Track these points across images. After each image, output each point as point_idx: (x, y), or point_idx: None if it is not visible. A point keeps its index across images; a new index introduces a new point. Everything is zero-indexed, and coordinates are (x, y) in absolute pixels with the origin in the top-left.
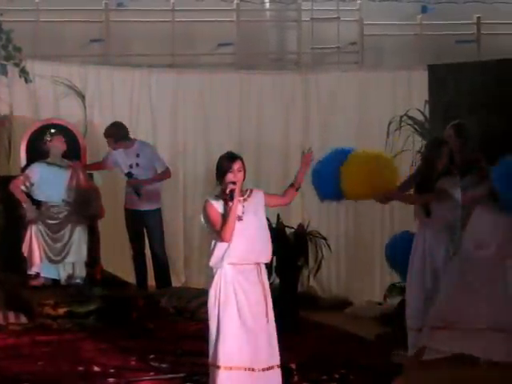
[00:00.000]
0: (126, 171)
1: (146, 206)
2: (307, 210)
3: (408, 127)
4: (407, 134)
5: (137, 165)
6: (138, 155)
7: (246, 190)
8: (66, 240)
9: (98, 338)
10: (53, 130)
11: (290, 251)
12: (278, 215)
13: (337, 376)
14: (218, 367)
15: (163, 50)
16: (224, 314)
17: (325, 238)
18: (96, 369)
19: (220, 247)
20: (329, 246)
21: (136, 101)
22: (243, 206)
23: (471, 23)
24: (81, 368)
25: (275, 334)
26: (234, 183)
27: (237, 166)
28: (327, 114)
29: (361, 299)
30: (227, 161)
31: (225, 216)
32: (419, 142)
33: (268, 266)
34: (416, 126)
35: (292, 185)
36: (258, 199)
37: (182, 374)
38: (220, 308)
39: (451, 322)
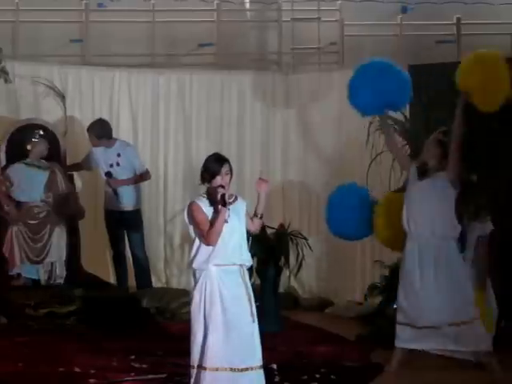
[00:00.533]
0: (106, 170)
1: (125, 207)
2: (288, 210)
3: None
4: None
5: (117, 164)
6: (118, 154)
7: (232, 195)
8: (46, 240)
9: (78, 338)
10: (41, 132)
11: (270, 251)
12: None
13: (317, 376)
14: (204, 369)
15: (143, 50)
16: (210, 316)
17: (306, 238)
18: (77, 369)
19: (205, 249)
20: (309, 246)
21: (116, 101)
22: (229, 209)
23: (451, 23)
24: (61, 369)
25: (258, 334)
26: (222, 187)
27: (225, 169)
28: (308, 114)
29: (341, 299)
30: (216, 164)
31: (211, 218)
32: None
33: (249, 267)
34: (396, 126)
35: (255, 214)
36: (241, 206)
37: (163, 375)
38: (206, 310)
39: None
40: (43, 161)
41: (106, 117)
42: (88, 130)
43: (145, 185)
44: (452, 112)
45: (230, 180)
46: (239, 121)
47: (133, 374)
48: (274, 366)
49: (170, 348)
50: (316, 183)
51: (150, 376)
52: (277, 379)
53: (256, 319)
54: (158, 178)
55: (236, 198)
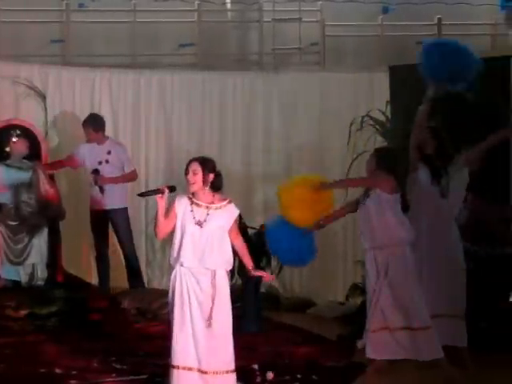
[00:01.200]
0: (94, 168)
1: (111, 205)
2: (270, 211)
3: (370, 128)
4: (368, 135)
5: (106, 161)
6: (109, 152)
7: (224, 200)
8: (27, 242)
9: (59, 339)
10: (18, 132)
11: (252, 252)
12: (240, 215)
13: (299, 376)
14: (173, 367)
15: (124, 50)
16: (177, 314)
17: None
18: (58, 371)
19: (173, 246)
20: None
21: (97, 101)
22: (207, 214)
23: (432, 24)
24: (43, 370)
25: (226, 338)
26: (169, 188)
27: (192, 167)
28: (289, 115)
29: (323, 299)
30: (187, 163)
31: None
32: (381, 143)
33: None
34: (377, 127)
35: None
36: (230, 214)
37: (144, 376)
38: (174, 308)
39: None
40: (25, 161)
41: (87, 115)
42: (84, 123)
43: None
44: (432, 112)
45: (205, 181)
46: (221, 121)
47: (114, 374)
48: (256, 367)
49: (151, 349)
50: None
51: (131, 377)
52: (258, 380)
53: (219, 324)
54: (139, 178)
55: (227, 204)
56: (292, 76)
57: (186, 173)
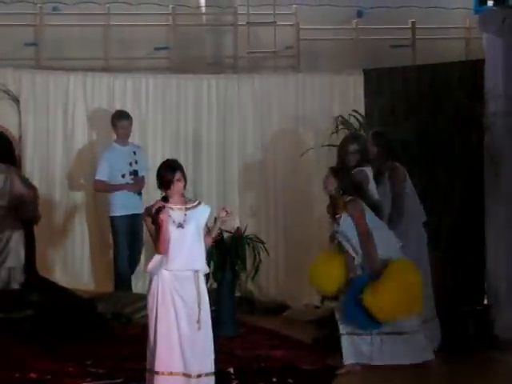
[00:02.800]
0: (131, 169)
1: (139, 210)
2: (245, 214)
3: (345, 131)
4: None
5: (135, 162)
6: (134, 153)
7: (195, 201)
8: (4, 245)
9: (34, 343)
10: None
11: (227, 255)
12: (215, 219)
13: (274, 380)
14: (157, 373)
15: (98, 53)
16: (161, 320)
17: (262, 242)
18: (33, 375)
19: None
20: (266, 250)
21: (71, 105)
22: (185, 215)
23: (406, 28)
24: (17, 375)
25: (210, 340)
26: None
27: (177, 176)
28: (264, 118)
29: (298, 303)
30: (168, 172)
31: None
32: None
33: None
34: (355, 129)
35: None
36: (203, 214)
37: (119, 380)
38: (158, 314)
39: None
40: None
41: (60, 121)
42: (123, 115)
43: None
44: (407, 115)
45: (185, 185)
46: (195, 124)
47: (89, 379)
48: (231, 371)
49: (126, 353)
50: (273, 186)
51: (107, 381)
52: (234, 383)
53: (205, 326)
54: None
55: (199, 204)
56: (267, 79)
57: (172, 181)
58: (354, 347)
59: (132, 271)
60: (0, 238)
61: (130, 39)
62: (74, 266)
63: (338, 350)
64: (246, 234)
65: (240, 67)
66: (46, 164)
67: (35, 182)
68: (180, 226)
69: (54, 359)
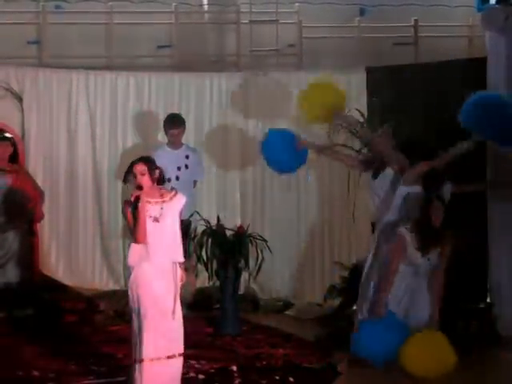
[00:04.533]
0: (174, 175)
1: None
2: (247, 212)
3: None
4: (346, 137)
5: (186, 167)
6: (187, 156)
7: (171, 191)
8: (5, 244)
9: (36, 342)
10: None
11: (230, 253)
12: (218, 217)
13: (277, 378)
14: (143, 360)
15: (101, 51)
16: (145, 310)
17: (265, 240)
18: (35, 373)
19: (137, 246)
20: (269, 248)
21: (74, 103)
22: (161, 208)
23: (409, 25)
24: (20, 373)
25: (181, 327)
26: (139, 188)
27: (138, 169)
28: (266, 115)
29: (301, 301)
30: (130, 167)
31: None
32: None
33: (208, 268)
34: (355, 129)
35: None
36: (178, 205)
37: (121, 378)
38: (140, 305)
39: None
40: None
41: (63, 119)
42: (175, 124)
43: (104, 186)
44: (409, 113)
45: (154, 180)
46: (198, 122)
47: (91, 377)
48: (234, 368)
49: (129, 351)
50: (274, 184)
51: (109, 379)
52: (236, 381)
53: (178, 317)
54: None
55: (175, 195)
56: (269, 77)
57: (133, 175)
58: None
59: None
60: (3, 237)
61: (132, 37)
62: (78, 264)
63: (340, 347)
64: (248, 231)
65: (242, 65)
66: (49, 162)
67: (38, 181)
68: (156, 220)
69: (56, 357)
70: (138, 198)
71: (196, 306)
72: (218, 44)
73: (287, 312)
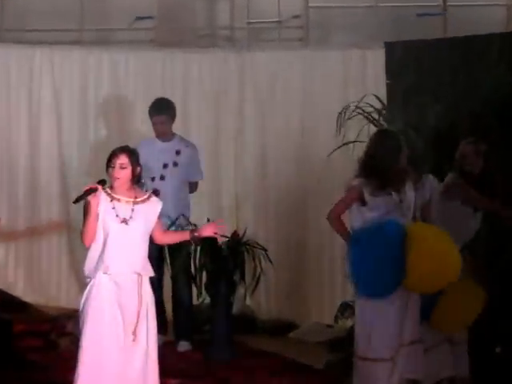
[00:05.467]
0: (158, 173)
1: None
2: (243, 217)
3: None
4: (362, 124)
5: (174, 164)
6: (178, 152)
7: (146, 192)
8: None
9: None
10: None
11: (222, 264)
12: (208, 220)
13: None
14: None
15: (69, 24)
16: (92, 331)
17: (265, 249)
18: None
19: (94, 252)
20: (269, 258)
21: (36, 84)
22: (132, 210)
23: None
24: None
25: (156, 361)
26: (102, 182)
27: (119, 160)
28: (266, 100)
29: (307, 321)
30: (112, 154)
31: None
32: None
33: (197, 282)
34: (371, 115)
35: (191, 230)
36: (154, 209)
37: None
38: (88, 323)
39: None
40: None
41: (24, 102)
42: (158, 111)
43: (72, 184)
44: (435, 97)
45: (134, 174)
46: (184, 107)
47: None
48: None
49: None
50: (275, 180)
51: None
52: None
53: (142, 340)
54: (91, 169)
55: (149, 198)
56: (269, 54)
57: (111, 166)
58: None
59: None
60: None
61: (106, 8)
62: (41, 278)
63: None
64: (244, 239)
65: (238, 40)
66: (7, 157)
67: None
68: (124, 221)
69: None
70: (92, 190)
71: None
72: (208, 15)
73: (290, 334)
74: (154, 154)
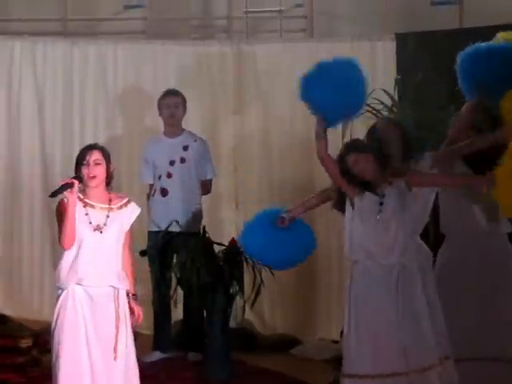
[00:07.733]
0: (165, 171)
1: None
2: (241, 221)
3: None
4: (370, 122)
5: (182, 160)
6: (185, 148)
7: (123, 198)
8: None
9: None
10: None
11: (219, 275)
12: (204, 228)
13: None
14: None
15: (53, 14)
16: (64, 349)
17: None
18: None
19: (66, 261)
20: (270, 268)
21: (17, 78)
22: (107, 216)
23: None
24: None
25: (137, 376)
26: (78, 179)
27: (93, 157)
28: (266, 96)
29: (312, 337)
30: (83, 151)
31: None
32: None
33: (188, 294)
34: (381, 112)
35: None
36: (130, 216)
37: None
38: (59, 340)
39: None
40: None
41: (4, 98)
42: (172, 92)
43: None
44: (452, 93)
45: (108, 173)
46: None
47: None
48: None
49: None
50: (276, 184)
51: None
52: None
53: (123, 356)
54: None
55: (127, 204)
56: (270, 47)
57: (84, 163)
58: None
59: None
60: None
61: None
62: (22, 290)
63: None
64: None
65: (235, 31)
66: None
67: None
68: (98, 229)
69: None
70: (68, 185)
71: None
72: (203, 4)
73: (293, 351)
74: (160, 151)
